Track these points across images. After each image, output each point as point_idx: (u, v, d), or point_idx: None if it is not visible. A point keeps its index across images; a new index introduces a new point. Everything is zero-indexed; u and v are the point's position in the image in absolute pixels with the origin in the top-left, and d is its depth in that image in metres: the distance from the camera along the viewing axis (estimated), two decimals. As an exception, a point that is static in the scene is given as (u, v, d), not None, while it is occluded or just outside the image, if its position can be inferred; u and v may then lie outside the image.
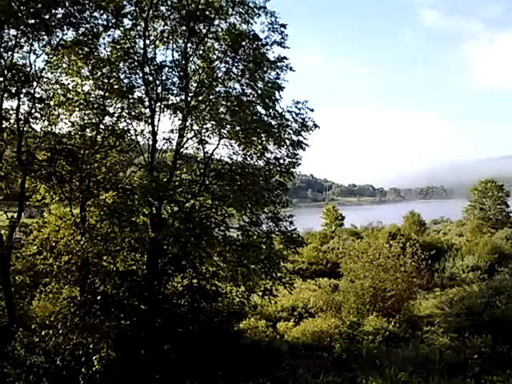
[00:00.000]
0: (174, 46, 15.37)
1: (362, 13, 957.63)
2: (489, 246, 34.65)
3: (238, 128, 14.47)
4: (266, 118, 15.02)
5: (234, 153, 15.05)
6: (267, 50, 14.86)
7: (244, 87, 15.11)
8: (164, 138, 14.74)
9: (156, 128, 14.82)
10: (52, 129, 14.06)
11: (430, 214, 76.55)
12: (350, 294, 21.51)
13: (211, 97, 14.74)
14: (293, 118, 14.98)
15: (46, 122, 13.86)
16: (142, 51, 14.60)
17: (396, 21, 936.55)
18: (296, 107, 14.92)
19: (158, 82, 14.84)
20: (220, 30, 15.14)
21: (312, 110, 15.04)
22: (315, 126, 15.14)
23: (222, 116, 14.50)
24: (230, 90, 15.16)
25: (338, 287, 24.11)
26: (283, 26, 14.66)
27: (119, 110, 14.71)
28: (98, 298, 13.62)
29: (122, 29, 14.38)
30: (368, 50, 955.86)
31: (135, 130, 14.94)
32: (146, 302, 14.23)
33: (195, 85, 15.29)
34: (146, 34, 14.61)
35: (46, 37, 12.75)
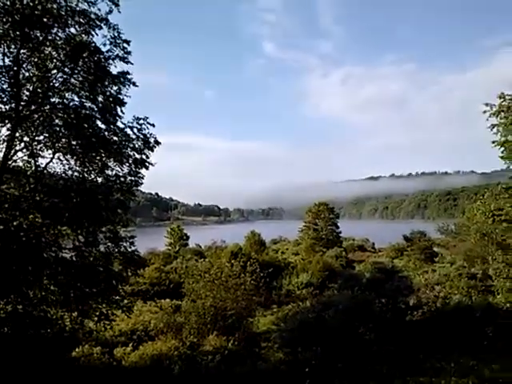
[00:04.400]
0: (6, 50, 14.02)
1: (206, 39, 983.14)
2: (321, 263, 37.53)
3: (74, 142, 13.69)
4: (106, 134, 14.46)
5: (69, 168, 14.22)
6: (109, 64, 14.36)
7: (83, 100, 14.32)
8: (-13, 149, 13.30)
9: (-22, 137, 13.28)
10: None
11: (270, 233, 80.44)
12: (192, 315, 21.40)
13: (46, 107, 13.76)
14: (135, 134, 14.69)
15: None
16: (-35, 53, 13.06)
17: (239, 49, 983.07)
18: (137, 123, 14.68)
19: (-17, 88, 13.35)
20: (58, 38, 14.23)
21: (153, 126, 14.97)
22: (157, 142, 15.07)
23: (57, 129, 13.62)
24: (68, 102, 14.28)
25: (180, 308, 23.89)
26: (126, 41, 14.28)
27: None
28: None
29: None
30: (213, 74, 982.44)
31: (-48, 139, 13.22)
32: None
33: (28, 94, 14.12)
34: (-27, 35, 13.10)
35: None
